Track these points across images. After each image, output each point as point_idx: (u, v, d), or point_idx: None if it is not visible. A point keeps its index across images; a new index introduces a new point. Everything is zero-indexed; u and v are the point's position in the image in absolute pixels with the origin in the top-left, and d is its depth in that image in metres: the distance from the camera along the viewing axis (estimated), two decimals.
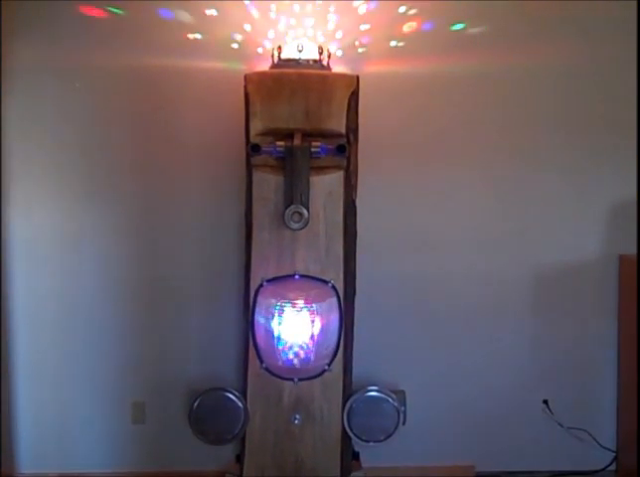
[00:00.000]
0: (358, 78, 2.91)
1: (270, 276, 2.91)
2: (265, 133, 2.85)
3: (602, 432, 3.46)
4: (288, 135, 2.83)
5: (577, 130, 3.42)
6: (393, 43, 3.29)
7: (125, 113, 3.29)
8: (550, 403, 3.44)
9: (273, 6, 3.20)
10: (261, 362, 2.95)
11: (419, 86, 3.34)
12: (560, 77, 3.38)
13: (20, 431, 3.37)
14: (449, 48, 3.33)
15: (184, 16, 3.23)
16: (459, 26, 3.31)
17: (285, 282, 2.91)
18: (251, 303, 2.92)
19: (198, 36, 3.25)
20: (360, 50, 3.28)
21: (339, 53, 3.24)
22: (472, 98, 3.37)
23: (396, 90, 3.32)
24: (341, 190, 2.91)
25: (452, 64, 3.32)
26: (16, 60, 3.23)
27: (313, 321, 2.90)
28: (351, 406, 3.01)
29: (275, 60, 3.03)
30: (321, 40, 3.16)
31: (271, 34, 3.20)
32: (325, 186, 2.89)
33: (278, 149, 2.82)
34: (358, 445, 3.15)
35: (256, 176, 2.89)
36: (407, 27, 3.29)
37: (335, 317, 2.93)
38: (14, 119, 3.27)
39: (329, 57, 3.07)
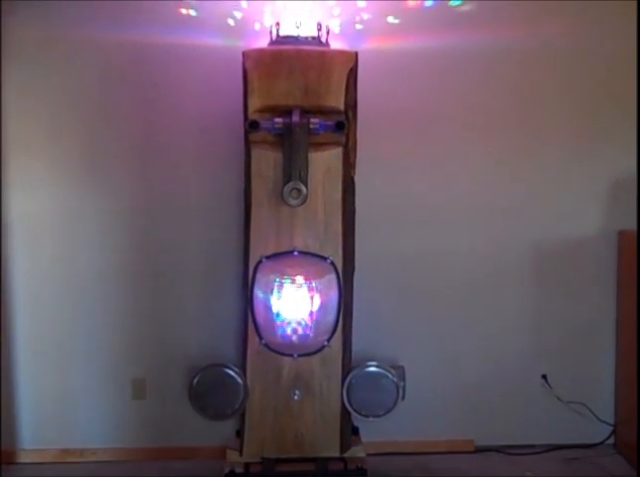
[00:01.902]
0: (356, 54, 2.90)
1: (269, 253, 2.92)
2: (264, 110, 2.84)
3: (601, 406, 3.48)
4: (287, 112, 2.82)
5: (578, 106, 3.41)
6: (391, 19, 3.27)
7: (124, 90, 3.28)
8: (548, 378, 3.46)
9: None
10: (261, 338, 2.96)
11: (419, 63, 3.32)
12: (562, 53, 3.37)
13: (21, 408, 3.39)
14: (449, 24, 3.31)
15: None
16: (458, 2, 3.29)
17: (284, 259, 2.92)
18: (250, 280, 2.93)
19: (197, 12, 3.23)
20: (358, 26, 3.26)
21: (337, 29, 3.22)
22: (472, 74, 3.36)
23: (395, 67, 3.31)
24: (340, 166, 2.91)
25: (452, 40, 3.30)
26: (15, 36, 3.21)
27: (312, 297, 2.92)
28: (350, 382, 3.03)
29: (274, 36, 3.02)
30: (319, 16, 3.13)
31: (270, 10, 3.18)
32: (324, 162, 2.89)
33: (277, 126, 2.82)
34: (357, 420, 3.17)
35: (255, 153, 2.89)
36: (406, 3, 3.26)
37: (334, 293, 2.94)
38: (13, 97, 3.26)
39: (327, 33, 3.05)
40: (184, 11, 3.23)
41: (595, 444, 3.49)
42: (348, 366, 3.04)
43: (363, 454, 3.09)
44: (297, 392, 3.00)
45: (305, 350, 2.97)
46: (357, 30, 3.25)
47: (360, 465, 3.01)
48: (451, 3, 3.29)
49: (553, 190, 3.44)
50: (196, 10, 3.22)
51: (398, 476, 3.27)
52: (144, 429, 3.42)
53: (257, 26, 3.19)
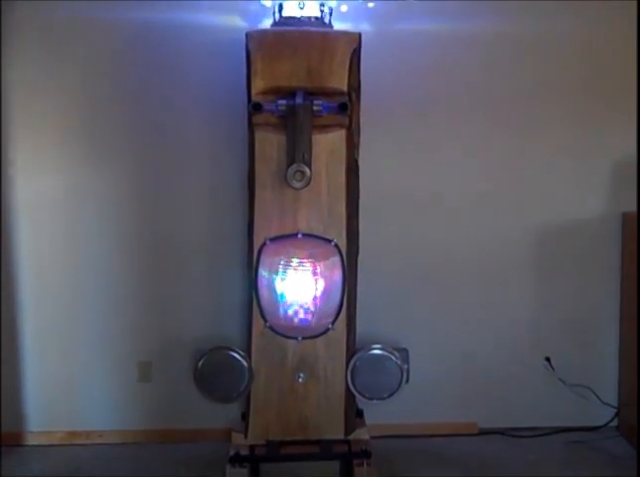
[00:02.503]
0: (360, 35, 2.88)
1: (273, 235, 2.91)
2: (267, 92, 2.83)
3: (604, 389, 3.49)
4: (290, 93, 2.81)
5: (580, 89, 3.41)
6: (396, 0, 3.26)
7: (126, 71, 3.28)
8: (552, 361, 3.47)
9: None
10: (265, 320, 2.97)
11: (423, 44, 3.32)
12: (569, 37, 3.37)
13: (28, 390, 3.40)
14: (454, 7, 3.29)
15: None
16: None
17: (288, 241, 2.91)
18: (255, 262, 2.93)
19: None
20: (362, 6, 3.24)
21: (341, 10, 3.20)
22: (476, 58, 3.35)
23: (398, 48, 3.30)
24: (343, 148, 2.90)
25: (457, 22, 3.30)
26: (16, 20, 3.20)
27: (316, 280, 2.91)
28: (354, 365, 3.03)
29: (276, 17, 3.00)
30: None
31: None
32: (327, 144, 2.88)
33: (280, 108, 2.81)
34: (362, 403, 3.18)
35: (258, 135, 2.87)
36: None
37: (338, 276, 2.93)
38: (17, 80, 3.25)
39: (331, 14, 3.04)
40: None
41: (599, 427, 3.50)
42: (352, 348, 3.05)
43: (367, 437, 3.10)
44: (302, 374, 3.00)
45: (309, 332, 2.97)
46: (361, 10, 3.24)
47: (364, 447, 3.01)
48: None
49: (556, 173, 3.43)
50: None
51: (402, 459, 3.28)
52: (150, 412, 3.43)
53: (261, 7, 3.17)
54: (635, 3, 3.31)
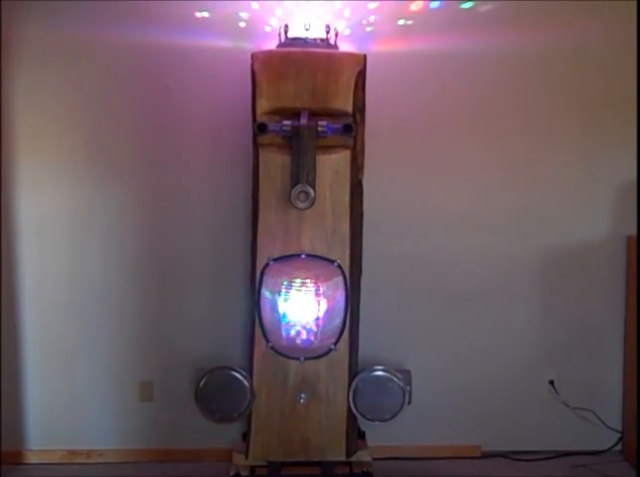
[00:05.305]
0: (365, 56, 2.90)
1: (277, 255, 2.91)
2: (272, 112, 2.84)
3: (608, 413, 3.46)
4: (295, 114, 2.82)
5: (586, 111, 3.40)
6: (401, 21, 3.28)
7: (134, 92, 3.30)
8: (555, 384, 3.45)
9: None
10: (267, 341, 2.96)
11: (428, 65, 3.32)
12: (571, 56, 3.37)
13: (29, 409, 3.39)
14: (458, 26, 3.31)
15: None
16: (468, 4, 3.29)
17: (291, 261, 2.91)
18: (258, 282, 2.93)
19: (206, 14, 3.24)
20: (367, 28, 3.26)
21: (346, 31, 3.22)
22: (480, 77, 3.36)
23: (403, 69, 3.31)
24: (347, 169, 2.91)
25: (461, 42, 3.30)
26: (27, 37, 3.23)
27: (319, 300, 2.92)
28: (357, 386, 3.02)
29: (282, 38, 3.02)
30: (328, 18, 3.14)
31: (279, 12, 3.19)
32: (332, 165, 2.89)
33: (285, 128, 2.82)
34: (364, 424, 3.16)
35: (263, 155, 2.89)
36: (416, 5, 3.27)
37: (341, 296, 2.93)
38: (24, 98, 3.27)
39: (336, 35, 3.06)
40: (197, 14, 3.24)
41: (602, 451, 3.47)
42: (354, 369, 3.04)
43: (369, 458, 3.08)
44: (303, 395, 2.99)
45: (312, 353, 2.97)
46: (366, 32, 3.26)
47: (365, 469, 3.01)
48: (462, 5, 3.28)
49: (561, 194, 3.43)
50: (206, 12, 3.23)
51: None
52: (151, 431, 3.41)
53: (267, 28, 3.20)
54: None
